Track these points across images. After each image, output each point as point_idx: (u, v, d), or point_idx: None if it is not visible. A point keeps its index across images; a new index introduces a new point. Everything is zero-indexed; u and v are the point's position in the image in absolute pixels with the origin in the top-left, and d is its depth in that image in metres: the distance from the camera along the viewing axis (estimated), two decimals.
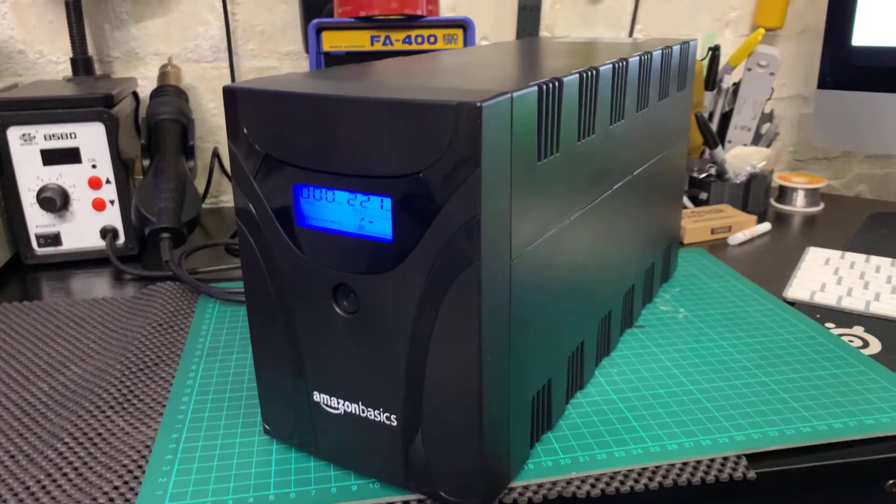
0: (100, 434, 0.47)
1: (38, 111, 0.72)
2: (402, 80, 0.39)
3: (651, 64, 0.54)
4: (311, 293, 0.40)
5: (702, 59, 0.99)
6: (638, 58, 0.52)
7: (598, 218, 0.49)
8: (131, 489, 0.42)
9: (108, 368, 0.55)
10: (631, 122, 0.52)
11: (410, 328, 0.37)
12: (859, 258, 0.74)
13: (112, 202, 0.77)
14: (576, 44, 0.63)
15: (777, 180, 0.97)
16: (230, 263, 0.76)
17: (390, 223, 0.36)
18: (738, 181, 0.91)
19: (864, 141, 0.89)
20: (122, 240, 0.78)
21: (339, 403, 0.41)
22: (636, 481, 0.42)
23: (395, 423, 0.40)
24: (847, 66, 0.88)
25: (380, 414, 0.40)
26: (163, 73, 0.91)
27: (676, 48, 0.60)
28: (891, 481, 0.46)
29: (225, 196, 1.03)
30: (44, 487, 0.42)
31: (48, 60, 0.92)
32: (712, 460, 0.44)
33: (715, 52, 0.98)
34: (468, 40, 0.79)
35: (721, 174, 0.92)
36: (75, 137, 0.74)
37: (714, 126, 1.01)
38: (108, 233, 0.77)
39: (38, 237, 0.76)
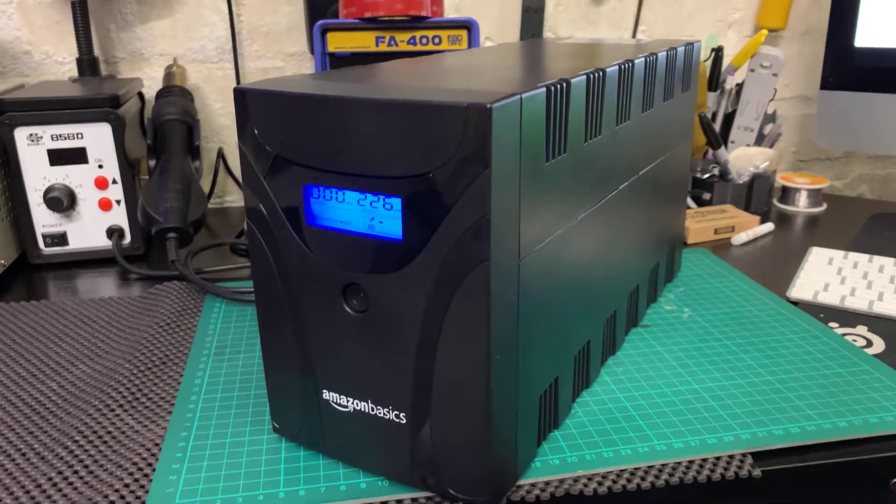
0: (110, 432, 0.47)
1: (44, 112, 0.72)
2: (412, 82, 0.40)
3: (656, 65, 0.55)
4: (321, 292, 0.40)
5: (705, 61, 1.00)
6: (644, 59, 0.52)
7: (604, 218, 0.50)
8: (142, 487, 0.42)
9: (117, 367, 0.55)
10: (636, 123, 0.53)
11: (419, 327, 0.38)
12: (862, 258, 0.74)
13: (118, 202, 0.77)
14: (580, 45, 0.63)
15: (780, 181, 0.98)
16: (236, 263, 0.76)
17: (400, 223, 0.37)
18: (742, 181, 0.91)
19: (867, 141, 0.89)
20: (128, 239, 0.78)
21: (348, 401, 0.42)
22: (643, 479, 0.43)
23: (403, 421, 0.40)
24: (849, 67, 0.89)
25: (389, 412, 0.41)
26: (168, 74, 0.91)
27: (681, 49, 0.60)
28: (895, 480, 0.46)
29: (230, 196, 1.03)
30: (55, 485, 0.42)
31: (54, 61, 0.93)
32: (718, 458, 0.44)
33: (718, 53, 0.98)
34: (473, 41, 0.79)
35: (724, 175, 0.92)
36: (82, 138, 0.74)
37: (717, 127, 1.01)
38: (114, 232, 0.77)
39: (44, 237, 0.76)
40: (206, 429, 0.48)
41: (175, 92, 0.87)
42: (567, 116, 0.41)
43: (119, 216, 0.77)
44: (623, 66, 0.48)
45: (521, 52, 0.56)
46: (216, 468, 0.44)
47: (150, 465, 0.44)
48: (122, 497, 0.41)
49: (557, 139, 0.40)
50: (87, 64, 0.88)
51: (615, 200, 0.51)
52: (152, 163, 0.80)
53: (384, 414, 0.41)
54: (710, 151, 0.96)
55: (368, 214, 0.37)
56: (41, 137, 0.73)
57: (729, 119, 1.01)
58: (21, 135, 0.72)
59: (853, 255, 0.75)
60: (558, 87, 0.39)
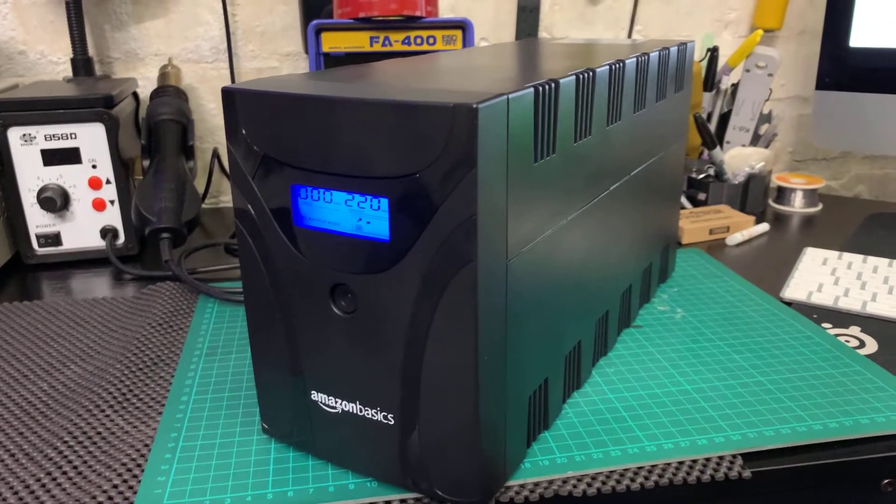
0: (99, 433, 0.47)
1: (38, 111, 0.72)
2: (400, 82, 0.39)
3: (648, 65, 0.55)
4: (309, 293, 0.40)
5: (700, 60, 0.99)
6: (635, 59, 0.52)
7: (596, 218, 0.49)
8: (130, 488, 0.42)
9: (108, 368, 0.55)
10: (628, 124, 0.53)
11: (407, 327, 0.38)
12: (857, 259, 0.74)
13: (112, 202, 0.77)
14: (574, 45, 0.63)
15: (775, 181, 0.98)
16: (230, 263, 0.76)
17: (387, 223, 0.36)
18: (737, 182, 0.91)
19: (863, 141, 0.89)
20: (122, 240, 0.78)
21: (336, 402, 0.42)
22: (632, 480, 0.43)
23: (392, 422, 0.40)
24: (845, 67, 0.88)
25: (377, 413, 0.40)
26: (163, 74, 0.91)
27: (674, 49, 0.60)
28: (886, 480, 0.46)
29: (224, 196, 1.03)
30: (44, 486, 0.42)
31: (49, 61, 0.93)
32: (708, 459, 0.44)
33: (713, 53, 0.98)
34: (467, 41, 0.79)
35: (719, 175, 0.92)
36: (75, 138, 0.74)
37: (713, 127, 1.01)
38: (108, 233, 0.77)
39: (38, 237, 0.76)
40: (195, 429, 0.48)
41: (170, 92, 0.87)
42: (556, 117, 0.41)
43: (113, 216, 0.77)
44: (614, 67, 0.48)
45: (513, 53, 0.56)
46: (205, 469, 0.44)
47: (139, 465, 0.44)
48: (111, 498, 0.41)
49: (546, 139, 0.40)
50: (82, 64, 0.88)
51: (607, 201, 0.51)
52: (146, 163, 0.80)
53: (372, 415, 0.41)
54: (706, 152, 0.96)
55: (356, 215, 0.37)
56: (35, 137, 0.73)
57: (724, 119, 1.01)
58: (14, 135, 0.72)
59: (847, 256, 0.75)
60: (547, 87, 0.39)
